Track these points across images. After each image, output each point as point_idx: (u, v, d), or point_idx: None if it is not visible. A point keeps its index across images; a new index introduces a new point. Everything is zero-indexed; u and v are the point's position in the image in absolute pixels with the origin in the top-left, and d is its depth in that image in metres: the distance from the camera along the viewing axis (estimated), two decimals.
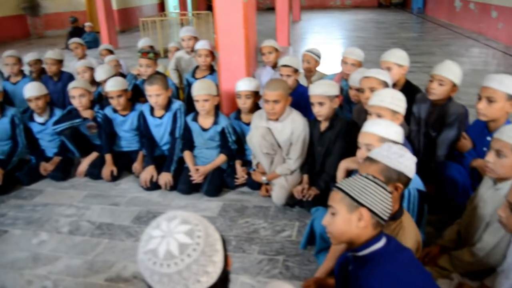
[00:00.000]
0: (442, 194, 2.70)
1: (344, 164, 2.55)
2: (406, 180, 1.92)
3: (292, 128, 3.12)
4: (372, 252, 1.60)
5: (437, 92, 2.94)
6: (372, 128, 2.23)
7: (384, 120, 2.31)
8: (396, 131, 2.24)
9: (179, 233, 1.01)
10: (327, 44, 10.52)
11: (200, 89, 3.28)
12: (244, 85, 3.36)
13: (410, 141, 2.89)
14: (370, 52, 8.42)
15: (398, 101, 2.49)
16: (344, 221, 1.60)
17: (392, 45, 7.06)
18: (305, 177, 3.16)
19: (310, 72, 4.24)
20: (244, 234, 2.90)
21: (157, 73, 3.95)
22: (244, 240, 2.83)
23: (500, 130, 2.08)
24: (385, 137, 2.20)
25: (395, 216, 1.98)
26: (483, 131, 2.66)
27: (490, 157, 2.08)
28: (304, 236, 2.56)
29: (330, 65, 7.10)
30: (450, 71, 2.93)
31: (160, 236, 1.01)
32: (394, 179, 1.88)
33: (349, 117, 3.31)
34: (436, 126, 2.99)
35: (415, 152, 2.98)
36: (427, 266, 2.33)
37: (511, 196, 1.72)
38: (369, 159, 1.95)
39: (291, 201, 3.15)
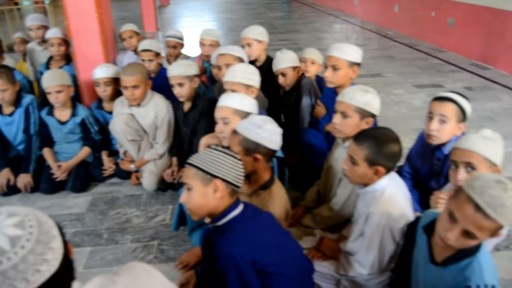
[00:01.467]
0: (304, 159, 2.88)
1: (205, 141, 2.57)
2: (267, 151, 1.98)
3: (155, 111, 3.06)
4: (230, 220, 1.64)
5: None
6: (226, 101, 2.27)
7: (238, 94, 2.37)
8: (250, 103, 2.31)
9: (8, 226, 0.93)
10: (197, 27, 10.47)
11: (51, 80, 3.03)
12: (102, 72, 3.20)
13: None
14: (239, 32, 8.56)
15: (250, 75, 2.57)
16: (200, 195, 1.62)
17: (260, 24, 7.29)
18: (174, 159, 3.13)
19: (171, 57, 4.17)
20: (116, 225, 2.79)
21: (3, 66, 3.58)
22: (117, 231, 2.73)
23: (342, 93, 2.26)
24: (239, 110, 2.25)
25: (266, 185, 2.05)
26: (332, 97, 2.87)
27: (337, 118, 2.25)
28: (175, 218, 2.55)
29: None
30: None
31: None
32: (252, 149, 1.94)
33: (213, 96, 3.35)
34: (295, 98, 3.17)
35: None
36: (293, 226, 2.48)
37: (351, 150, 1.89)
38: (234, 131, 2.00)
39: (163, 186, 3.11)
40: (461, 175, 1.81)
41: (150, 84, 3.07)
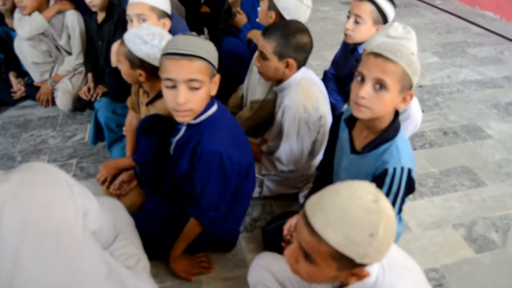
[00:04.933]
0: (225, 68, 2.79)
1: (117, 46, 2.40)
2: (152, 68, 1.74)
3: (66, 21, 2.84)
4: (209, 117, 1.51)
5: None
6: None
7: None
8: (164, 2, 2.15)
9: None
10: None
11: None
12: None
13: None
14: None
15: None
16: (207, 93, 1.44)
17: None
18: (90, 75, 2.93)
19: None
20: (31, 147, 2.62)
21: None
22: (31, 153, 2.56)
23: None
24: (156, 7, 2.08)
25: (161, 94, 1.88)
26: (253, 4, 2.77)
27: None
28: (91, 131, 2.41)
29: None
30: None
31: None
32: (137, 65, 1.75)
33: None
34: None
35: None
36: None
37: (260, 45, 1.85)
38: (121, 41, 1.77)
39: (79, 104, 2.93)
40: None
41: None
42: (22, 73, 3.09)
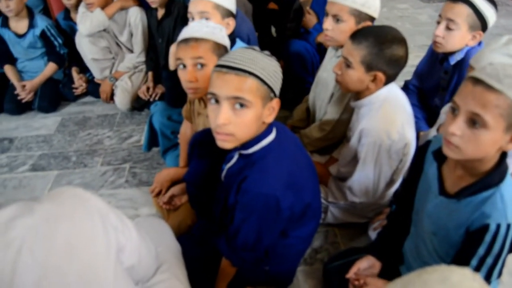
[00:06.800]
0: (292, 72, 2.56)
1: (175, 48, 2.24)
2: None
3: (129, 19, 2.75)
4: (263, 148, 1.25)
5: None
6: None
7: None
8: (230, 0, 1.97)
9: None
10: None
11: None
12: None
13: None
14: None
15: None
16: (257, 118, 1.17)
17: None
18: (150, 74, 2.81)
19: None
20: (86, 147, 2.55)
21: None
22: (86, 154, 2.49)
23: None
24: (220, 4, 1.89)
25: None
26: (325, 2, 2.49)
27: (328, 24, 1.89)
28: (145, 136, 2.27)
29: None
30: None
31: None
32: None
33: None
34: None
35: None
36: None
37: (346, 50, 1.57)
38: (196, 39, 1.51)
39: (138, 104, 2.83)
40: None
41: None
42: (84, 69, 3.04)
